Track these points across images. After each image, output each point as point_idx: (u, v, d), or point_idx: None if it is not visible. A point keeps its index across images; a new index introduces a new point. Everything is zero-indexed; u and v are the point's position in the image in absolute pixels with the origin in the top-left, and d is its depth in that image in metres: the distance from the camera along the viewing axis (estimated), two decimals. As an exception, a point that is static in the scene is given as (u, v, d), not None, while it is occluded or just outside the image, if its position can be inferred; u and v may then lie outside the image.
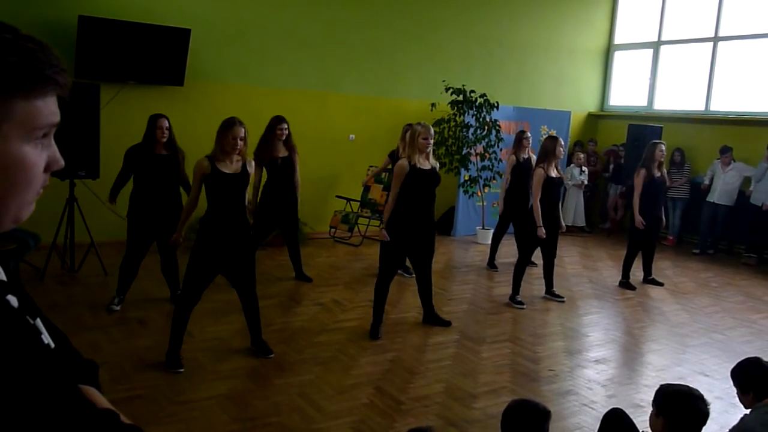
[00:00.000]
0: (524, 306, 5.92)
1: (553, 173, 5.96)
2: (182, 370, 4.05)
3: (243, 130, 4.17)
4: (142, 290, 5.46)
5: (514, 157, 7.16)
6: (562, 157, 5.98)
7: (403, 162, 4.86)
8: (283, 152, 6.02)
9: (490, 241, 8.68)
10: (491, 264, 7.45)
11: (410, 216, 4.87)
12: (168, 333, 4.18)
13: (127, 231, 5.22)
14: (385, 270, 5.02)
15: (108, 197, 5.40)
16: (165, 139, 5.13)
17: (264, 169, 5.99)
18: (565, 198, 9.64)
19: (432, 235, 5.10)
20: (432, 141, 4.94)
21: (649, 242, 6.95)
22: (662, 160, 6.77)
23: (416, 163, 4.81)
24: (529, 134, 7.38)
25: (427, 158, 4.92)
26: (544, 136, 9.71)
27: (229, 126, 4.17)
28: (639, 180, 6.70)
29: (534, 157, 7.15)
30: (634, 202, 6.77)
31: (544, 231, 5.89)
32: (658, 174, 6.72)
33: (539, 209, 5.89)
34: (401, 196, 4.84)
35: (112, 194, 5.37)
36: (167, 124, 5.15)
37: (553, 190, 5.99)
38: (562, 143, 6.01)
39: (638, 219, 6.70)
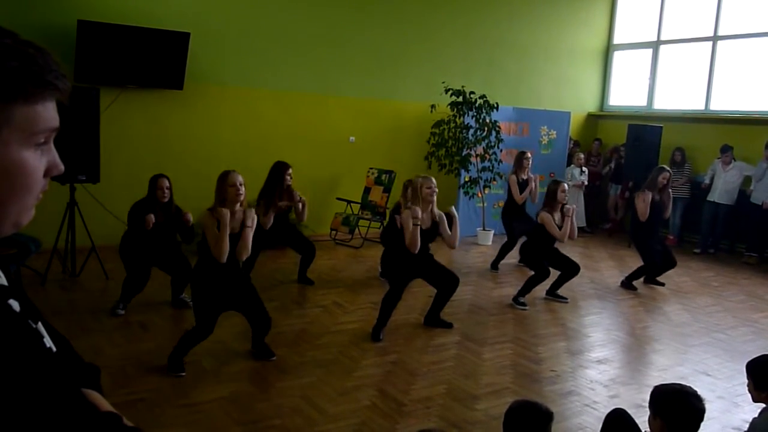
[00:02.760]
0: (527, 307, 5.92)
1: (556, 217, 6.07)
2: (184, 374, 4.05)
3: (240, 176, 4.15)
4: (144, 294, 5.44)
5: (514, 177, 7.44)
6: (565, 201, 6.10)
7: (407, 215, 4.89)
8: (285, 199, 5.96)
9: (490, 242, 8.75)
10: (494, 266, 7.47)
11: (408, 259, 4.98)
12: (171, 336, 4.19)
13: (125, 264, 5.21)
14: (395, 288, 5.06)
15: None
16: (166, 200, 5.14)
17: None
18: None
19: (431, 260, 5.15)
20: (436, 190, 4.99)
21: (664, 253, 6.98)
22: (665, 183, 6.81)
23: (419, 221, 4.85)
24: (529, 155, 7.61)
25: (432, 210, 5.01)
26: (544, 137, 9.79)
27: (225, 176, 4.14)
28: (643, 205, 6.71)
29: (533, 176, 7.49)
30: (639, 225, 6.80)
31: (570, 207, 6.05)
32: (658, 198, 6.77)
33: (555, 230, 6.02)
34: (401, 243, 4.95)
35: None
36: (168, 184, 5.14)
37: (551, 238, 6.10)
38: (565, 186, 6.12)
39: (649, 259, 6.81)
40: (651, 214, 6.70)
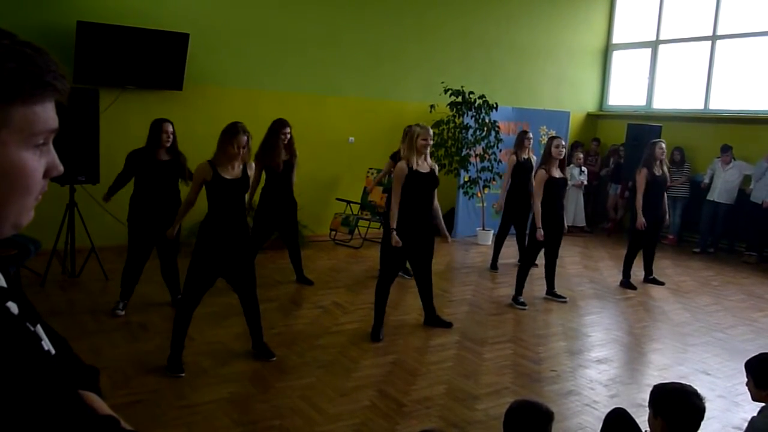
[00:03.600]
0: (526, 307, 5.92)
1: (556, 174, 5.96)
2: (183, 374, 4.05)
3: (246, 137, 4.17)
4: (143, 294, 5.45)
5: (514, 157, 7.14)
6: (561, 156, 5.95)
7: (402, 165, 4.87)
8: (284, 156, 6.03)
9: (490, 242, 8.72)
10: (493, 266, 7.44)
11: (410, 219, 4.88)
12: (169, 337, 4.18)
13: (128, 236, 5.22)
14: (386, 272, 5.03)
15: (104, 195, 5.41)
16: (169, 144, 5.13)
17: (264, 172, 5.99)
18: (565, 198, 9.64)
19: (431, 237, 5.10)
20: (431, 142, 4.95)
21: (649, 241, 6.95)
22: (663, 158, 6.76)
23: (414, 165, 4.82)
24: (531, 134, 7.39)
25: (426, 160, 4.94)
26: (544, 137, 9.80)
27: (233, 133, 4.15)
28: (641, 179, 6.69)
29: (534, 158, 7.21)
30: (636, 202, 6.76)
31: (542, 233, 5.88)
32: (659, 173, 6.72)
33: (540, 211, 5.89)
34: (401, 199, 4.85)
35: (109, 193, 5.38)
36: (172, 129, 5.14)
37: (556, 190, 5.97)
38: (562, 143, 6.00)
39: (641, 220, 6.69)
40: (652, 190, 6.65)
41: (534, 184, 5.95)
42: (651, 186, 6.67)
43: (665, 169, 6.82)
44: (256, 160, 5.74)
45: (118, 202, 6.65)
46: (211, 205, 4.17)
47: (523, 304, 5.95)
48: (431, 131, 4.98)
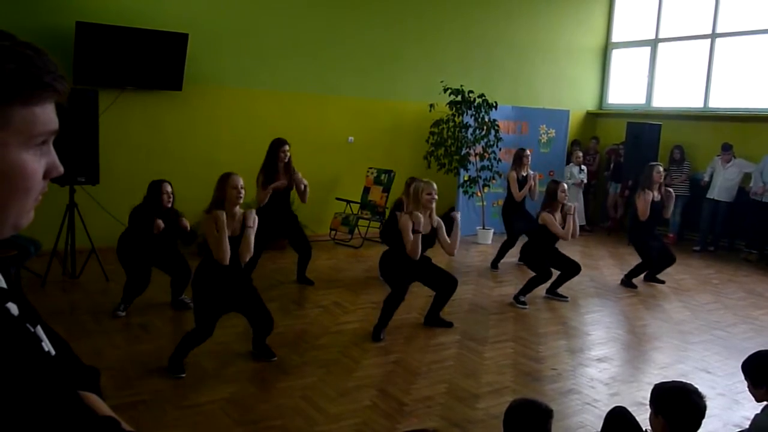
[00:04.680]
0: (527, 307, 5.92)
1: (557, 219, 6.08)
2: (184, 375, 4.05)
3: (241, 179, 4.17)
4: (144, 296, 5.44)
5: (514, 174, 7.43)
6: (564, 201, 6.11)
7: (406, 220, 4.88)
8: (283, 178, 5.98)
9: (490, 241, 8.75)
10: (494, 265, 7.47)
11: (408, 262, 4.96)
12: (171, 338, 4.20)
13: (124, 267, 5.20)
14: (398, 287, 5.04)
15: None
16: (170, 206, 5.12)
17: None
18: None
19: (434, 268, 5.15)
20: (436, 197, 4.97)
21: (662, 250, 6.97)
22: (661, 181, 6.79)
23: (418, 226, 4.83)
24: (528, 152, 7.63)
25: (431, 215, 4.99)
26: (543, 136, 9.80)
27: (226, 177, 4.15)
28: (643, 204, 6.68)
29: (531, 173, 7.49)
30: (637, 223, 6.80)
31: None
32: (657, 197, 6.74)
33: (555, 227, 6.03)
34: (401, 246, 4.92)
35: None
36: (170, 189, 5.13)
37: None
38: (565, 188, 6.12)
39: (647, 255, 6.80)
40: (650, 214, 6.70)
41: (548, 227, 6.04)
42: (650, 209, 6.69)
43: (663, 191, 6.82)
44: (258, 182, 5.76)
45: (118, 202, 6.66)
46: (208, 255, 4.13)
47: (524, 303, 5.96)
48: (435, 186, 5.00)
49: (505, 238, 7.58)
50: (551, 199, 6.08)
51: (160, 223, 4.94)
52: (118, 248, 5.20)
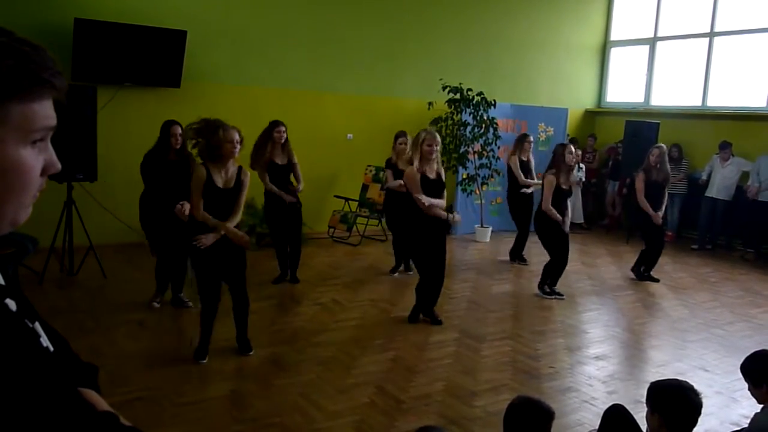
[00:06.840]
0: (553, 297, 6.10)
1: (564, 185, 6.06)
2: (205, 360, 4.15)
3: (237, 133, 4.13)
4: (142, 292, 5.45)
5: (515, 158, 7.35)
6: (572, 164, 6.07)
7: (412, 170, 4.93)
8: (281, 159, 5.99)
9: (488, 239, 8.78)
10: (514, 257, 7.53)
11: (424, 218, 4.98)
12: (169, 335, 4.20)
13: (147, 238, 5.26)
14: (421, 265, 5.17)
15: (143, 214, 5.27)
16: (179, 146, 5.12)
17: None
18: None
19: (444, 235, 5.19)
20: (436, 148, 4.97)
21: (659, 239, 7.03)
22: (659, 161, 6.82)
23: (424, 171, 4.86)
24: (531, 137, 7.57)
25: (433, 166, 5.00)
26: (542, 134, 9.80)
27: (221, 130, 4.07)
28: (639, 183, 6.81)
29: (533, 160, 7.41)
30: (641, 204, 6.83)
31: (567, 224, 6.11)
32: (655, 177, 6.79)
33: (551, 210, 6.03)
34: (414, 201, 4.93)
35: (151, 209, 5.21)
36: (180, 131, 5.12)
37: (562, 198, 6.12)
38: (572, 150, 6.08)
39: (654, 215, 6.78)
40: (649, 194, 6.75)
41: (543, 190, 6.04)
42: (648, 190, 6.79)
43: (666, 169, 6.86)
44: (250, 163, 5.76)
45: (116, 199, 6.65)
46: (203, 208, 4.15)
47: (554, 293, 6.11)
48: (438, 137, 5.01)
49: (517, 232, 7.58)
50: (558, 161, 6.01)
51: (185, 209, 4.81)
52: (140, 215, 5.22)
